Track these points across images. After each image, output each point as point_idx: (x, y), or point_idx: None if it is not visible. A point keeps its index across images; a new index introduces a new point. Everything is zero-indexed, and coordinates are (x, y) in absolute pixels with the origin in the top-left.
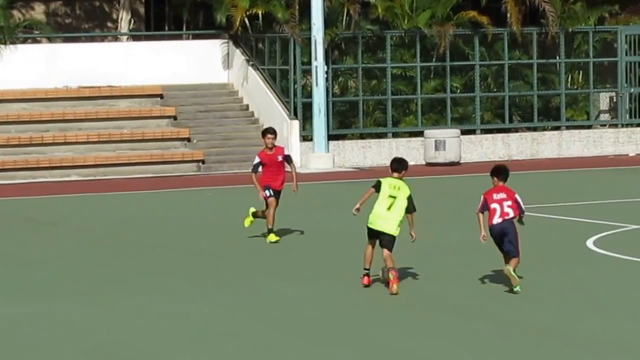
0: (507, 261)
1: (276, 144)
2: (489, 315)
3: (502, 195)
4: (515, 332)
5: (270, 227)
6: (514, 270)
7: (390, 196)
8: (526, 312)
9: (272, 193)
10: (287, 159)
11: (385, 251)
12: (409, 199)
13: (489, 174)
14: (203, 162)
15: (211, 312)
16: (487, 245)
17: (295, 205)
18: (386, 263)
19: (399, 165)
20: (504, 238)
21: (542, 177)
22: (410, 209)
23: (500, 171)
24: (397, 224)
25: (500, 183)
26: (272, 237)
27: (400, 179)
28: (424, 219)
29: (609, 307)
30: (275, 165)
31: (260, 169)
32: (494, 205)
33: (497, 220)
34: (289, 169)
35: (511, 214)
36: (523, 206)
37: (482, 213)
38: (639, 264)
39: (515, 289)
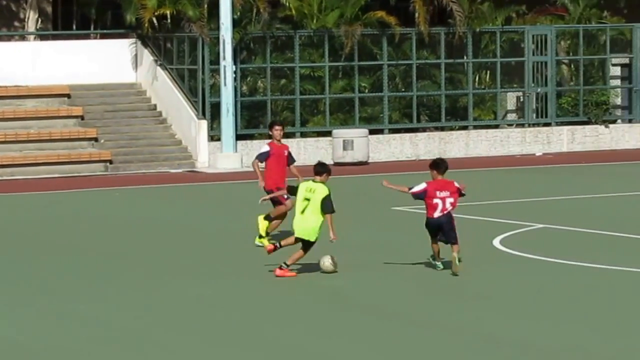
0: (437, 248)
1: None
2: (392, 313)
3: (446, 193)
4: (414, 330)
5: (269, 232)
6: (459, 256)
7: (305, 199)
8: (427, 309)
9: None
10: (290, 157)
11: (300, 251)
12: (324, 200)
13: (398, 172)
14: (111, 162)
15: (111, 312)
16: (394, 244)
17: (201, 205)
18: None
19: (320, 169)
20: (441, 230)
21: (450, 177)
22: (325, 209)
23: (439, 164)
24: (312, 228)
25: (439, 176)
26: (265, 242)
27: (323, 182)
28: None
29: (511, 305)
30: (282, 158)
31: (264, 161)
32: (436, 201)
33: (437, 214)
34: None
35: (450, 209)
36: (462, 188)
37: (414, 195)
38: (544, 263)
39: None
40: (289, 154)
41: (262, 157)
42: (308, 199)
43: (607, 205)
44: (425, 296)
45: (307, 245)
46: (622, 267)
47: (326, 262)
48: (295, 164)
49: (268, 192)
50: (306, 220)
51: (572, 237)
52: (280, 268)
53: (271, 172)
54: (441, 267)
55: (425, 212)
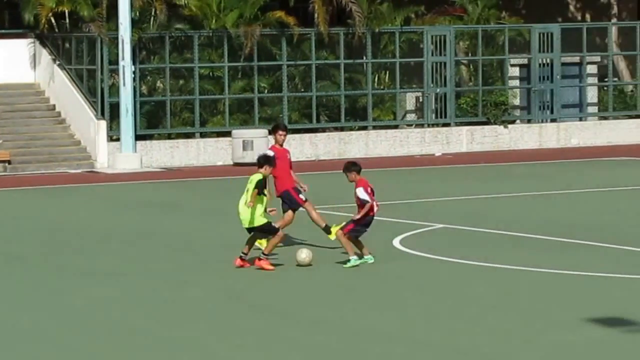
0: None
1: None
2: (285, 313)
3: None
4: (308, 329)
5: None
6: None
7: (246, 190)
8: (323, 309)
9: (306, 197)
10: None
11: (266, 240)
12: (256, 185)
13: (298, 173)
14: (9, 162)
15: (12, 313)
16: (293, 244)
17: (99, 205)
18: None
19: (262, 161)
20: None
21: None
22: (259, 191)
23: (356, 164)
24: (249, 214)
25: (359, 176)
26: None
27: (264, 175)
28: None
29: (412, 304)
30: (287, 161)
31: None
32: (371, 200)
33: (373, 211)
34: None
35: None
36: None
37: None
38: (444, 263)
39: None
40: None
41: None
42: (247, 189)
43: (506, 205)
44: (323, 296)
45: (260, 231)
46: (521, 266)
47: (302, 255)
48: (193, 163)
49: (282, 197)
50: (244, 209)
51: (471, 237)
52: (259, 259)
53: (279, 179)
54: (373, 259)
55: (356, 212)
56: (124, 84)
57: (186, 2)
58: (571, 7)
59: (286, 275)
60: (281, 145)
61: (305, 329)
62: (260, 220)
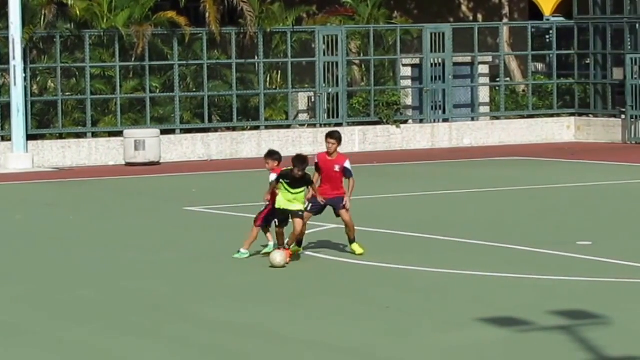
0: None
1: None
2: (188, 314)
3: None
4: (193, 329)
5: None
6: None
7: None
8: (230, 311)
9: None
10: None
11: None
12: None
13: (190, 173)
14: None
15: None
16: (186, 243)
17: None
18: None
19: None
20: None
21: (242, 177)
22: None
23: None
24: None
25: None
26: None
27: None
28: (119, 216)
29: (306, 304)
30: (334, 176)
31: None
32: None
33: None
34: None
35: None
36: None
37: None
38: (336, 263)
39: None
40: (344, 168)
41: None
42: None
43: (399, 206)
44: (212, 293)
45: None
46: (414, 267)
47: (277, 258)
48: (85, 163)
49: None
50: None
51: (364, 237)
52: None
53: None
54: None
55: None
56: (15, 84)
57: (72, 3)
58: (463, 7)
59: (176, 272)
60: (329, 155)
61: (186, 326)
62: (278, 203)
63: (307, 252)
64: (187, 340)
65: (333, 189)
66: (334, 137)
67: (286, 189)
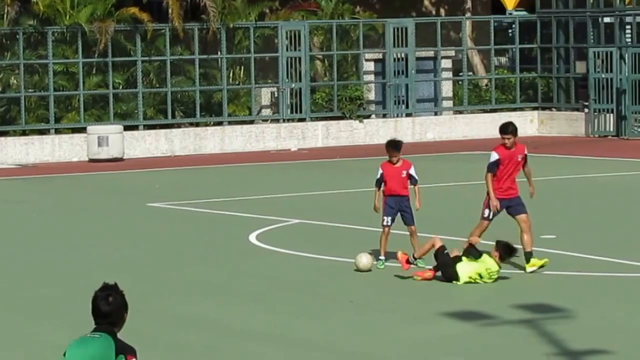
0: None
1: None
2: (151, 310)
3: None
4: (146, 322)
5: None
6: None
7: None
8: (193, 306)
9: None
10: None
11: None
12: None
13: (154, 168)
14: None
15: None
16: (148, 239)
17: None
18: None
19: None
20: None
21: (205, 173)
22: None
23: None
24: None
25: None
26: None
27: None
28: (83, 213)
29: (269, 299)
30: (515, 164)
31: (496, 171)
32: None
33: None
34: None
35: None
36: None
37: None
38: (299, 258)
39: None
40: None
41: (493, 167)
42: None
43: (362, 200)
44: (174, 290)
45: None
46: (374, 261)
47: (364, 260)
48: (49, 160)
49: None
50: None
51: (327, 231)
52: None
53: (498, 182)
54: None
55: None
56: None
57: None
58: (425, 2)
59: (139, 268)
60: (509, 148)
61: (149, 322)
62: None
63: (270, 247)
64: (149, 335)
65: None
66: None
67: None
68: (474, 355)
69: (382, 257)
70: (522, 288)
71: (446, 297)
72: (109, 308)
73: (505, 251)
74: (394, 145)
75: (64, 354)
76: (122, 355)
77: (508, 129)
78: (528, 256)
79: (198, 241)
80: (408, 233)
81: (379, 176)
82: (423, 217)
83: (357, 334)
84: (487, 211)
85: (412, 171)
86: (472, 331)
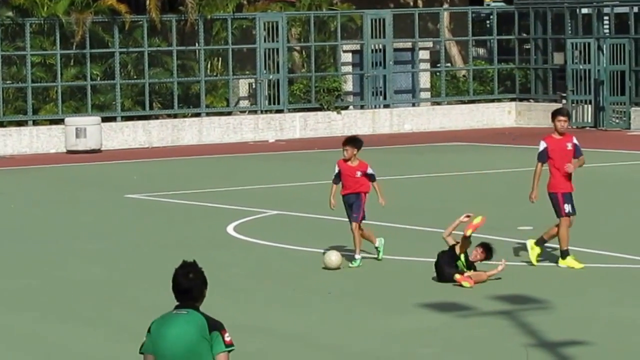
0: None
1: None
2: (129, 301)
3: None
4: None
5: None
6: None
7: None
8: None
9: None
10: (577, 148)
11: None
12: None
13: (131, 160)
14: None
15: None
16: (125, 231)
17: None
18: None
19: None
20: None
21: (183, 164)
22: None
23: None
24: None
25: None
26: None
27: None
28: (61, 205)
29: (247, 291)
30: (567, 155)
31: (546, 160)
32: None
33: None
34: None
35: None
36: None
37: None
38: (276, 249)
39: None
40: (575, 145)
41: (543, 157)
42: None
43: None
44: (151, 281)
45: None
46: (351, 253)
47: (332, 258)
48: (26, 151)
49: (551, 197)
50: None
51: (305, 223)
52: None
53: (554, 172)
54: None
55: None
56: None
57: None
58: None
59: (117, 259)
60: (561, 134)
61: (127, 313)
62: None
63: (247, 239)
64: (126, 326)
65: None
66: None
67: None
68: (452, 347)
69: (357, 256)
70: (501, 280)
71: (425, 288)
72: (190, 284)
73: (490, 251)
74: (350, 140)
75: (149, 331)
76: (216, 331)
77: (561, 112)
78: (564, 254)
79: (176, 233)
80: (379, 224)
81: (336, 171)
82: (400, 209)
83: (334, 325)
84: (566, 207)
85: (369, 171)
86: (450, 322)
